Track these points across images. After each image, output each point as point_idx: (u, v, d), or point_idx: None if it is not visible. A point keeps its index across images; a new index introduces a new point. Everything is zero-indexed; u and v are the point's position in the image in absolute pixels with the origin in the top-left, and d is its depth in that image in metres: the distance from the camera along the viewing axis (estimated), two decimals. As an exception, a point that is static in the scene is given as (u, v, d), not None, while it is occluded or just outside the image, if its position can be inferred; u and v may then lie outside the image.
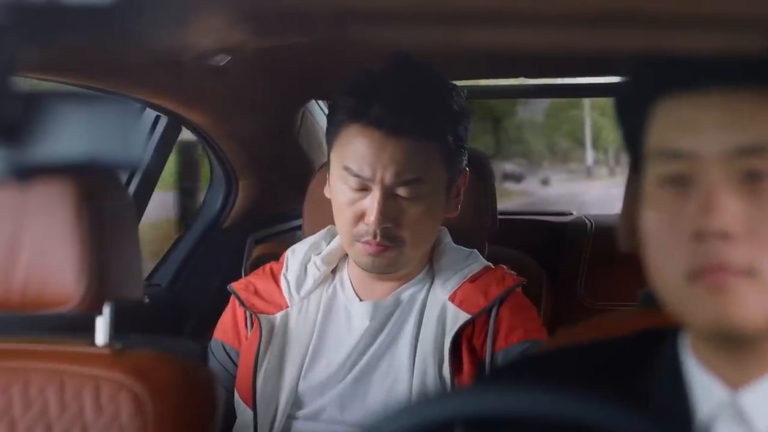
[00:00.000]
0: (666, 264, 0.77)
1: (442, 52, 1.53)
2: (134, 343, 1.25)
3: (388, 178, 1.49)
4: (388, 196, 1.50)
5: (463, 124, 1.56)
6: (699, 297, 0.75)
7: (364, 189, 1.51)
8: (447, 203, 1.57)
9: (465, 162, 1.59)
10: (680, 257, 0.75)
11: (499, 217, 1.88)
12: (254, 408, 1.57)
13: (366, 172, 1.50)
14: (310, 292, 1.62)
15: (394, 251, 1.53)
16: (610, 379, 0.84)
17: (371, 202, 1.50)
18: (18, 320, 1.26)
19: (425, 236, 1.57)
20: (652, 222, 0.78)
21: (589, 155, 24.06)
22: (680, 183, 0.77)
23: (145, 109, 1.94)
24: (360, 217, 1.52)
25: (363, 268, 1.57)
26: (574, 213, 2.45)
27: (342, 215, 1.54)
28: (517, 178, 23.89)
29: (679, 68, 0.78)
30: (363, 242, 1.52)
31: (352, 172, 1.51)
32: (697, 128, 0.76)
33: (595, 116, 22.31)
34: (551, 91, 2.40)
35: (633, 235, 0.83)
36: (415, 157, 1.50)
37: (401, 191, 1.50)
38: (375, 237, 1.50)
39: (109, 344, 1.23)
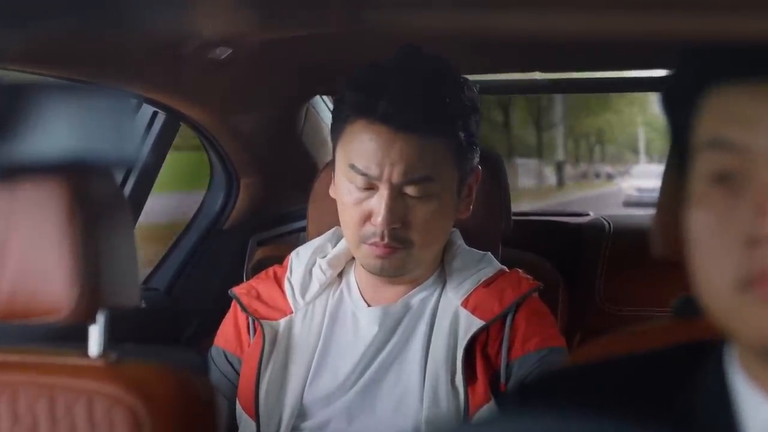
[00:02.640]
0: (714, 271, 0.71)
1: (456, 43, 1.49)
2: (130, 354, 1.19)
3: (396, 176, 1.44)
4: (396, 196, 1.45)
5: (475, 119, 1.51)
6: (751, 308, 0.69)
7: (370, 188, 1.46)
8: (458, 203, 1.52)
9: (477, 160, 1.54)
10: (731, 264, 0.69)
11: (513, 218, 1.83)
12: (257, 419, 1.53)
13: (373, 171, 1.45)
14: (315, 297, 1.58)
15: (403, 253, 1.47)
16: (649, 398, 0.79)
17: (378, 202, 1.45)
18: (5, 330, 1.20)
19: (435, 237, 1.52)
20: (700, 224, 0.72)
21: (642, 161, 32.65)
22: (731, 181, 0.71)
23: (141, 104, 1.90)
24: (367, 217, 1.47)
25: (370, 272, 1.52)
26: (591, 214, 2.40)
27: (348, 216, 1.49)
28: (611, 176, 34.00)
29: (733, 55, 0.71)
30: (370, 244, 1.47)
31: (358, 171, 1.46)
32: (751, 120, 0.70)
33: (646, 131, 31.70)
34: (569, 86, 2.35)
35: (670, 237, 0.78)
36: (425, 154, 1.45)
37: (410, 190, 1.45)
38: (383, 238, 1.46)
39: (104, 355, 1.18)
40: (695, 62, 0.75)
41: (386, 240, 1.45)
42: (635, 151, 34.03)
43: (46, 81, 1.45)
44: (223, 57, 1.68)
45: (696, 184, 0.73)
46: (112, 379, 1.15)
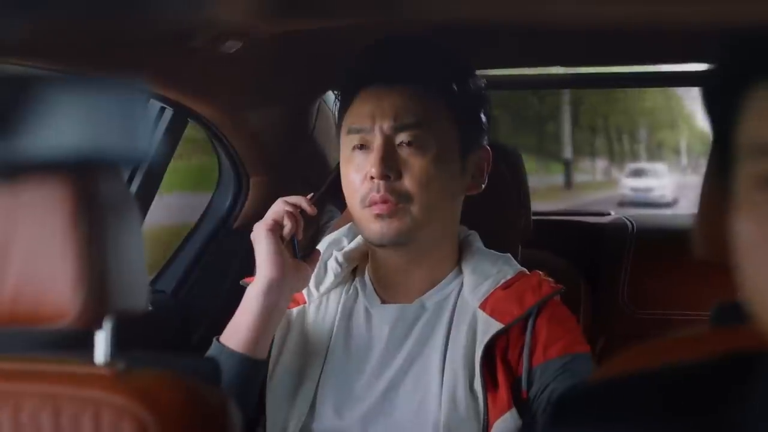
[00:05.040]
0: (766, 279, 0.67)
1: (473, 36, 1.46)
2: (138, 362, 1.15)
3: (387, 125, 1.46)
4: (389, 145, 1.45)
5: (471, 81, 1.53)
6: None
7: (367, 147, 1.47)
8: (463, 173, 1.50)
9: (485, 139, 1.54)
10: None
11: (533, 218, 1.78)
12: (264, 415, 1.49)
13: (366, 124, 1.46)
14: (329, 290, 1.56)
15: (402, 211, 1.44)
16: (696, 411, 0.74)
17: (373, 156, 1.45)
18: (7, 337, 1.16)
19: (436, 197, 1.47)
20: (749, 230, 0.68)
21: (684, 159, 39.55)
22: None
23: (148, 99, 1.85)
24: (365, 177, 1.46)
25: (373, 242, 1.48)
26: (612, 213, 2.36)
27: (349, 183, 1.48)
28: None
29: None
30: (369, 204, 1.45)
31: (354, 130, 1.48)
32: None
33: (688, 136, 39.78)
34: (593, 81, 2.29)
35: (714, 240, 0.75)
36: (415, 103, 1.47)
37: (402, 137, 1.45)
38: (379, 191, 1.44)
39: (111, 363, 1.13)
40: (740, 55, 0.71)
41: (382, 191, 1.44)
42: (677, 151, 41.40)
43: (51, 74, 1.41)
44: (232, 51, 1.65)
45: (743, 187, 0.69)
46: (120, 388, 1.11)
